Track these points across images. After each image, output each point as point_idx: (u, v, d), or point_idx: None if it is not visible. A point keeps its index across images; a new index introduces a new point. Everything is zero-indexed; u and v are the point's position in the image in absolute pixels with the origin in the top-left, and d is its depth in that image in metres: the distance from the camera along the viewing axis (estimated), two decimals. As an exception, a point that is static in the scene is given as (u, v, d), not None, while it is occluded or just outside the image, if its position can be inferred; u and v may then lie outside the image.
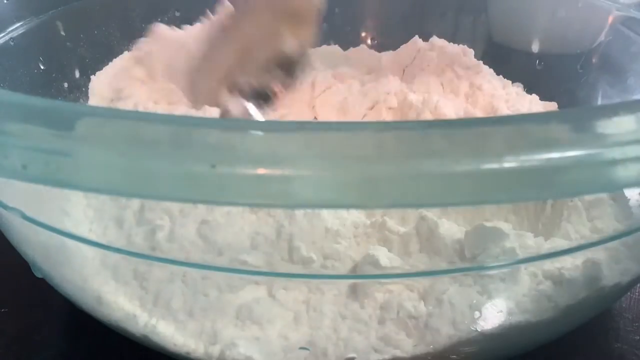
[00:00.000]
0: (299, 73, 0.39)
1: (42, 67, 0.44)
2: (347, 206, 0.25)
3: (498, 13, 0.53)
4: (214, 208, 0.27)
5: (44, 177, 0.17)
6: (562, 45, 0.49)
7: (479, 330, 0.25)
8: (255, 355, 0.25)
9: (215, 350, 0.25)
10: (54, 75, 0.45)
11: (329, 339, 0.25)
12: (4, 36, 0.40)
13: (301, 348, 0.25)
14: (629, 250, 0.27)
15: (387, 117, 0.43)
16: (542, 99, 0.46)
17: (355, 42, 0.53)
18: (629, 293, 0.34)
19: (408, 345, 0.25)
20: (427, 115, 0.40)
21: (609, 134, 0.17)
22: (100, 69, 0.46)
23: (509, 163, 0.16)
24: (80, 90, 0.45)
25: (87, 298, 0.27)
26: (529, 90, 0.46)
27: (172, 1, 0.51)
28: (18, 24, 0.41)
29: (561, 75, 0.48)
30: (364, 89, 0.45)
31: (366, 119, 0.43)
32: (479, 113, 0.42)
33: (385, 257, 0.26)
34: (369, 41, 0.54)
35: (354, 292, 0.26)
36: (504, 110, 0.42)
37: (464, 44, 0.48)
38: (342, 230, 0.28)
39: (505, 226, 0.26)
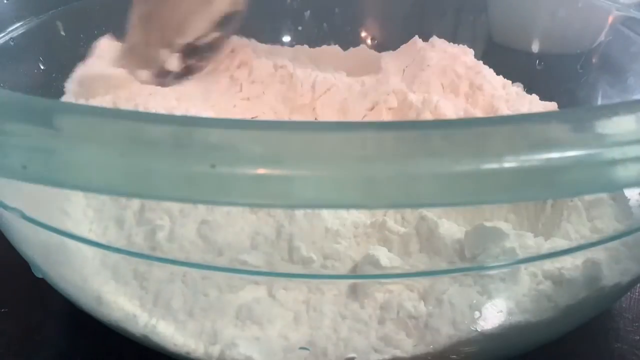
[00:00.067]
0: (234, 26, 0.41)
1: (42, 67, 0.44)
2: (347, 206, 0.25)
3: (498, 13, 0.53)
4: (214, 208, 0.27)
5: (44, 177, 0.17)
6: (562, 45, 0.49)
7: (479, 330, 0.25)
8: (255, 355, 0.25)
9: (215, 350, 0.25)
10: (54, 75, 0.45)
11: (329, 339, 0.25)
12: (4, 36, 0.40)
13: (301, 348, 0.25)
14: (629, 250, 0.27)
15: (387, 117, 0.43)
16: (542, 99, 0.46)
17: (355, 42, 0.53)
18: (629, 293, 0.34)
19: (408, 345, 0.25)
20: (427, 115, 0.40)
21: (609, 134, 0.17)
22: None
23: (509, 163, 0.16)
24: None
25: (87, 298, 0.27)
26: (529, 90, 0.46)
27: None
28: (18, 24, 0.42)
29: (561, 75, 0.48)
30: (364, 89, 0.45)
31: (366, 119, 0.43)
32: (479, 113, 0.42)
33: (385, 257, 0.26)
34: (369, 41, 0.54)
35: (354, 292, 0.26)
36: (504, 110, 0.42)
37: (464, 44, 0.48)
38: (342, 230, 0.28)
39: (505, 226, 0.26)
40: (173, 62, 0.39)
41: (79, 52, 0.46)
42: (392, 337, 0.25)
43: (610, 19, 0.45)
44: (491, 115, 0.42)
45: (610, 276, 0.26)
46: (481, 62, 0.47)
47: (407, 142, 0.17)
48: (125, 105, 0.38)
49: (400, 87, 0.44)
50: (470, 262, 0.26)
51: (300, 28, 0.53)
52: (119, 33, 0.48)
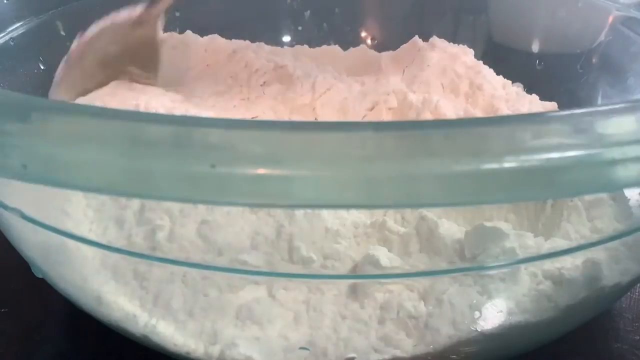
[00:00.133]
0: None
1: (42, 67, 0.44)
2: (347, 206, 0.25)
3: (498, 13, 0.53)
4: (214, 208, 0.27)
5: (44, 177, 0.17)
6: (562, 45, 0.49)
7: (479, 330, 0.25)
8: (255, 355, 0.25)
9: (215, 350, 0.25)
10: (54, 75, 0.45)
11: (328, 339, 0.25)
12: (4, 36, 0.40)
13: (301, 348, 0.25)
14: (629, 250, 0.27)
15: (387, 117, 0.43)
16: (542, 99, 0.46)
17: (355, 42, 0.53)
18: (629, 293, 0.34)
19: (408, 345, 0.25)
20: (427, 115, 0.40)
21: (609, 134, 0.17)
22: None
23: (509, 163, 0.16)
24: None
25: (87, 298, 0.27)
26: (529, 90, 0.46)
27: (172, 1, 0.51)
28: (18, 24, 0.42)
29: (561, 75, 0.48)
30: (364, 89, 0.45)
31: (366, 119, 0.43)
32: (479, 113, 0.42)
33: (385, 257, 0.26)
34: (369, 41, 0.54)
35: (354, 292, 0.26)
36: (504, 110, 0.42)
37: (464, 44, 0.48)
38: (342, 230, 0.28)
39: (505, 226, 0.26)
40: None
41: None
42: (392, 337, 0.25)
43: (610, 19, 0.45)
44: (491, 115, 0.42)
45: (610, 276, 0.26)
46: (481, 62, 0.47)
47: (407, 142, 0.17)
48: (126, 105, 0.38)
49: (400, 87, 0.44)
50: (470, 262, 0.26)
51: (300, 28, 0.53)
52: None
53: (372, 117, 0.43)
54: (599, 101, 0.45)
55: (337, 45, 0.52)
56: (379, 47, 0.52)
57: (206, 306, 0.26)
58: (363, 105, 0.44)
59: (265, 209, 0.27)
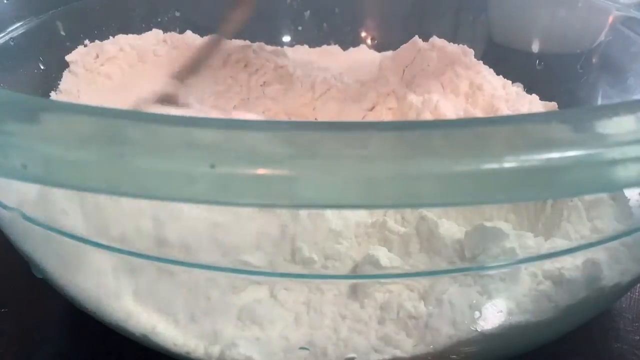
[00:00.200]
0: None
1: (42, 67, 0.44)
2: (347, 206, 0.25)
3: (498, 13, 0.53)
4: (219, 209, 0.27)
5: (44, 177, 0.17)
6: (562, 45, 0.49)
7: (479, 330, 0.25)
8: (255, 355, 0.25)
9: (215, 350, 0.25)
10: (54, 75, 0.45)
11: (329, 339, 0.25)
12: (4, 36, 0.40)
13: (301, 348, 0.25)
14: (629, 250, 0.27)
15: (387, 117, 0.43)
16: (542, 99, 0.46)
17: (355, 42, 0.53)
18: (629, 293, 0.34)
19: (408, 345, 0.25)
20: (427, 115, 0.40)
21: (609, 134, 0.17)
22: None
23: (509, 163, 0.16)
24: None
25: (88, 298, 0.27)
26: (529, 90, 0.46)
27: (172, 1, 0.51)
28: (18, 24, 0.42)
29: (561, 75, 0.48)
30: (364, 89, 0.45)
31: (366, 119, 0.43)
32: (479, 113, 0.42)
33: (386, 257, 0.26)
34: (369, 41, 0.54)
35: (354, 292, 0.26)
36: (504, 110, 0.42)
37: (464, 44, 0.48)
38: (345, 231, 0.28)
39: (505, 226, 0.26)
40: None
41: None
42: (392, 337, 0.25)
43: (610, 19, 0.45)
44: (491, 115, 0.42)
45: (610, 276, 0.26)
46: (481, 62, 0.47)
47: (407, 142, 0.17)
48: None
49: (400, 87, 0.44)
50: (470, 262, 0.26)
51: (300, 28, 0.53)
52: (118, 33, 0.49)
53: (372, 117, 0.43)
54: (599, 101, 0.45)
55: (337, 45, 0.53)
56: (379, 47, 0.52)
57: (208, 307, 0.26)
58: (363, 105, 0.44)
59: (270, 209, 0.27)
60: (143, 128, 0.17)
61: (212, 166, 0.16)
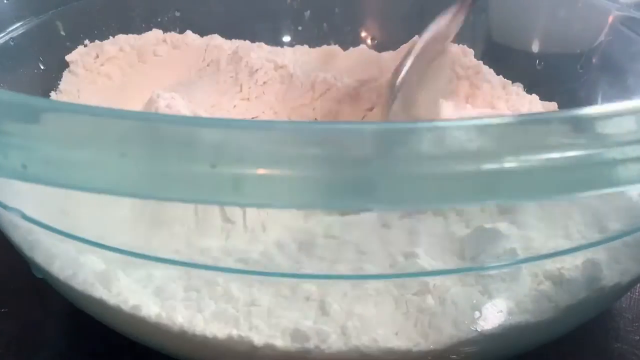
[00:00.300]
0: None
1: (42, 67, 0.44)
2: (347, 206, 0.25)
3: (498, 13, 0.53)
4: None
5: (44, 177, 0.17)
6: (562, 45, 0.49)
7: (480, 330, 0.25)
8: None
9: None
10: (54, 75, 0.45)
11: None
12: (4, 36, 0.40)
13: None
14: (629, 250, 0.27)
15: (387, 117, 0.43)
16: (542, 99, 0.46)
17: (355, 42, 0.53)
18: (629, 293, 0.34)
19: (410, 344, 0.25)
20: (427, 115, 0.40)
21: (609, 134, 0.17)
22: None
23: (509, 163, 0.16)
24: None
25: (88, 298, 0.27)
26: (529, 90, 0.46)
27: (172, 1, 0.51)
28: (18, 24, 0.42)
29: (561, 75, 0.48)
30: (364, 89, 0.45)
31: (366, 119, 0.43)
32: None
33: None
34: (369, 41, 0.54)
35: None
36: (504, 110, 0.42)
37: (464, 44, 0.48)
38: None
39: (505, 227, 0.26)
40: None
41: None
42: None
43: (610, 19, 0.45)
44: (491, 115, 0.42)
45: (610, 276, 0.26)
46: (481, 62, 0.47)
47: (407, 142, 0.17)
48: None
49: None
50: (471, 262, 0.26)
51: (300, 28, 0.53)
52: (118, 33, 0.49)
53: (372, 117, 0.43)
54: (599, 101, 0.45)
55: (337, 45, 0.52)
56: (379, 47, 0.52)
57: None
58: (363, 105, 0.44)
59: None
60: (143, 128, 0.17)
61: (212, 166, 0.16)
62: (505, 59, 0.49)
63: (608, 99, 0.44)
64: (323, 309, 0.25)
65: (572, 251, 0.27)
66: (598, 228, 0.30)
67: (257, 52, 0.47)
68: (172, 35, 0.50)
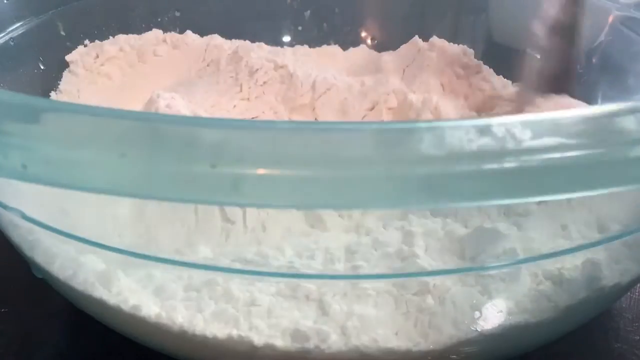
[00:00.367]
0: None
1: (42, 67, 0.44)
2: (347, 207, 0.25)
3: (498, 13, 0.53)
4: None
5: (44, 177, 0.17)
6: (562, 46, 0.49)
7: (480, 330, 0.25)
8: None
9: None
10: (54, 75, 0.45)
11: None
12: (4, 36, 0.40)
13: None
14: (629, 250, 0.27)
15: (387, 117, 0.43)
16: (542, 99, 0.46)
17: (355, 42, 0.53)
18: (629, 293, 0.34)
19: (410, 344, 0.25)
20: (427, 116, 0.40)
21: (609, 133, 0.17)
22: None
23: (509, 163, 0.16)
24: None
25: (88, 298, 0.27)
26: (529, 90, 0.46)
27: (172, 1, 0.51)
28: (18, 24, 0.42)
29: (561, 75, 0.48)
30: (364, 89, 0.45)
31: (366, 119, 0.43)
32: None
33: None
34: (369, 41, 0.54)
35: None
36: (504, 110, 0.42)
37: (464, 44, 0.48)
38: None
39: (504, 227, 0.26)
40: None
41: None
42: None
43: (610, 19, 0.45)
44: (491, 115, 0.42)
45: (610, 276, 0.26)
46: (481, 62, 0.47)
47: (407, 142, 0.17)
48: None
49: (400, 87, 0.44)
50: (471, 262, 0.26)
51: (300, 28, 0.53)
52: (118, 33, 0.49)
53: (372, 117, 0.43)
54: (599, 101, 0.45)
55: (337, 45, 0.52)
56: (379, 47, 0.52)
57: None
58: (363, 105, 0.44)
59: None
60: (143, 128, 0.17)
61: (213, 166, 0.16)
62: (505, 59, 0.49)
63: (608, 99, 0.44)
64: (323, 309, 0.25)
65: (572, 251, 0.27)
66: (598, 228, 0.30)
67: (257, 52, 0.47)
68: (172, 35, 0.50)
